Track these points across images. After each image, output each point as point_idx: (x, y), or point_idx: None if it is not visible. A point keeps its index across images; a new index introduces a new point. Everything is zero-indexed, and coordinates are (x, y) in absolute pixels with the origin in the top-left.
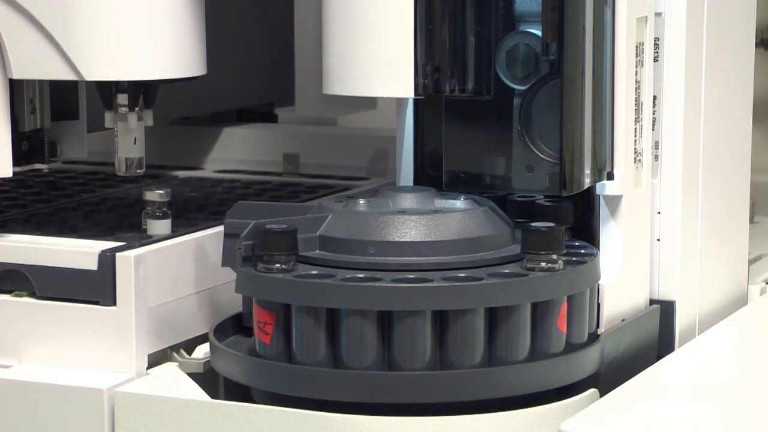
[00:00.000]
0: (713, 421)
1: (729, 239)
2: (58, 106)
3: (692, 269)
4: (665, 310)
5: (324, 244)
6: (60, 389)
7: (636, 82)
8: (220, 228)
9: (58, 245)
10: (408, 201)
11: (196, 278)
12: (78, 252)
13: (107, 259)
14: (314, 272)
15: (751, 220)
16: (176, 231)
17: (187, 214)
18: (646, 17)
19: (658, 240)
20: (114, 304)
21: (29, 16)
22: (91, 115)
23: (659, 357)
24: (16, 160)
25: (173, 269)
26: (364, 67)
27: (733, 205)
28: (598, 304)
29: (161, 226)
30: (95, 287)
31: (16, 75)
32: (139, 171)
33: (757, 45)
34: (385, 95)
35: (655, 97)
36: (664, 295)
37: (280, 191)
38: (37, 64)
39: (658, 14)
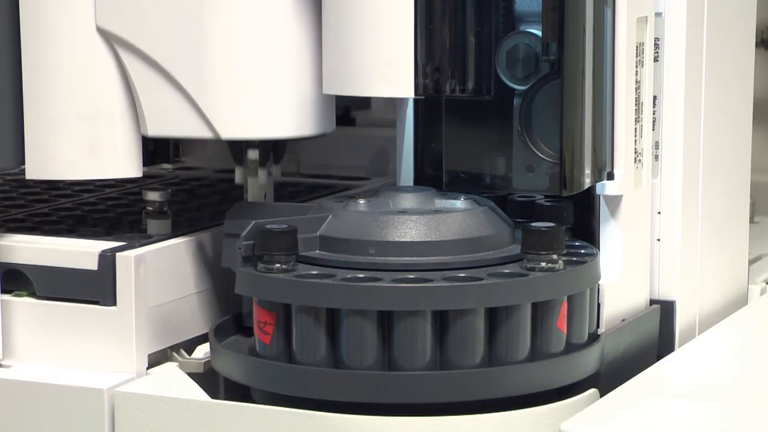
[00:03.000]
0: (713, 421)
1: (729, 239)
2: None
3: (692, 269)
4: (665, 310)
5: (324, 244)
6: (60, 389)
7: (636, 82)
8: (220, 228)
9: (58, 245)
10: (408, 201)
11: (196, 278)
12: (78, 252)
13: (107, 259)
14: (314, 272)
15: (751, 220)
16: (176, 231)
17: (187, 214)
18: (646, 17)
19: (658, 240)
20: (114, 304)
21: (166, 74)
22: None
23: (659, 357)
24: (143, 161)
25: (173, 269)
26: (364, 67)
27: (733, 205)
28: (598, 304)
29: (161, 226)
30: (95, 287)
31: (152, 132)
32: None
33: (757, 45)
34: (385, 95)
35: (655, 97)
36: (664, 295)
37: (280, 191)
38: (173, 122)
39: (658, 14)
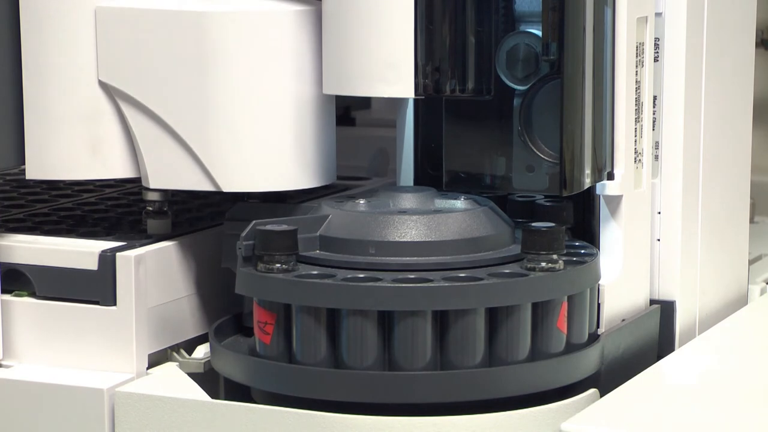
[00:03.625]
0: (713, 421)
1: (729, 239)
2: None
3: (692, 269)
4: (665, 310)
5: (324, 244)
6: (60, 389)
7: (636, 82)
8: (220, 228)
9: (58, 245)
10: (408, 201)
11: (196, 278)
12: (78, 252)
13: (107, 259)
14: (314, 272)
15: (751, 220)
16: (176, 231)
17: (187, 214)
18: (646, 17)
19: (658, 240)
20: (114, 304)
21: (168, 128)
22: None
23: (659, 357)
24: None
25: (173, 269)
26: (364, 67)
27: (733, 205)
28: (598, 304)
29: (161, 226)
30: (95, 287)
31: (153, 184)
32: None
33: (757, 45)
34: (386, 95)
35: (655, 97)
36: (664, 295)
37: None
38: (174, 175)
39: (658, 14)
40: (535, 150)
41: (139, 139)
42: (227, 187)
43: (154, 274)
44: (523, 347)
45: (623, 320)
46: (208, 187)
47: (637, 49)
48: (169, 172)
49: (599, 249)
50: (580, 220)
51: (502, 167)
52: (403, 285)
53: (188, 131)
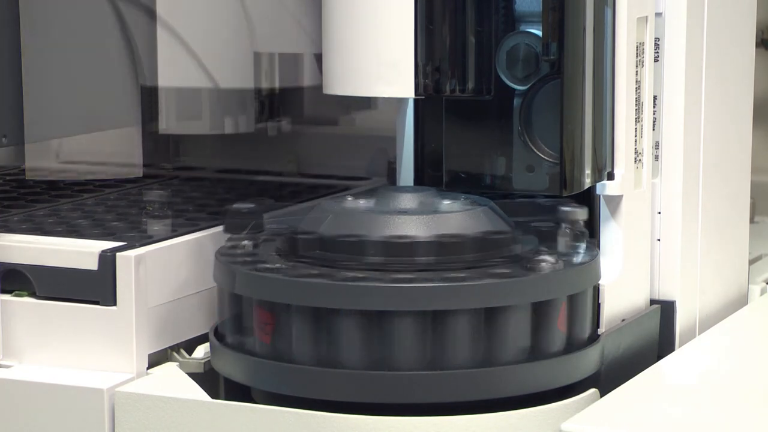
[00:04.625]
0: (713, 421)
1: (729, 239)
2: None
3: (692, 269)
4: (665, 310)
5: (324, 244)
6: (60, 389)
7: (636, 82)
8: (220, 228)
9: (58, 245)
10: (408, 201)
11: (196, 278)
12: (78, 252)
13: (107, 259)
14: (314, 272)
15: (751, 220)
16: (176, 231)
17: (187, 214)
18: (647, 17)
19: (658, 240)
20: (114, 304)
21: (167, 25)
22: (211, 117)
23: (659, 357)
24: (143, 160)
25: (173, 269)
26: (365, 67)
27: (733, 205)
28: (598, 304)
29: (161, 226)
30: (95, 287)
31: (150, 82)
32: None
33: (757, 45)
34: (386, 95)
35: (655, 97)
36: (664, 295)
37: (280, 191)
38: (173, 73)
39: (658, 14)
40: (535, 150)
41: (137, 39)
42: (225, 84)
43: (154, 274)
44: (523, 347)
45: (623, 320)
46: (206, 84)
47: (637, 49)
48: (171, 70)
49: (599, 249)
50: None
51: (502, 167)
52: (403, 285)
53: (187, 28)
